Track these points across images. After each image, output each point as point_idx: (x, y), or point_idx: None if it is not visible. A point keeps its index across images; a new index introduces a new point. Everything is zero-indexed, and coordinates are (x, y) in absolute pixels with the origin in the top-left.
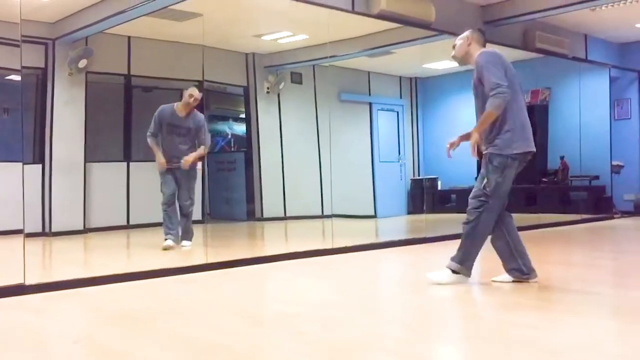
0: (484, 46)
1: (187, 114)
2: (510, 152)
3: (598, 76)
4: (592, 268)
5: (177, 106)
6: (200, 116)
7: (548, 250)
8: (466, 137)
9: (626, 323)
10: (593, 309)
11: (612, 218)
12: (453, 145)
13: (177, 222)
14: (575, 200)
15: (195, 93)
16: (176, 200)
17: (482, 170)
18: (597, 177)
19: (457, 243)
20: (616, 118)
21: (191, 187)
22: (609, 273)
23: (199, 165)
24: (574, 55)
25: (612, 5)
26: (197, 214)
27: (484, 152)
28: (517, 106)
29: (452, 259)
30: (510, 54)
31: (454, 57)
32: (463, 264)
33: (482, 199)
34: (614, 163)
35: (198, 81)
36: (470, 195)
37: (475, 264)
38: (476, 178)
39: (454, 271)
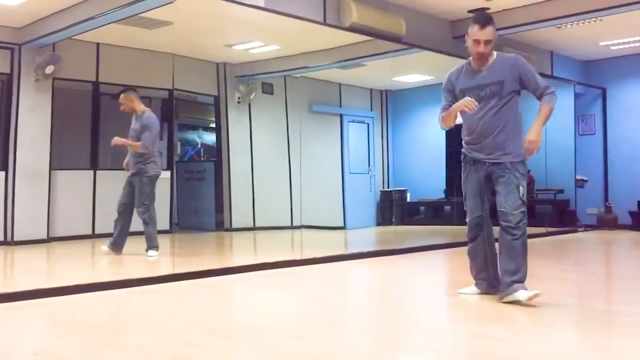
0: None
1: (136, 117)
2: (524, 159)
3: (563, 92)
4: (558, 281)
5: None
6: (147, 117)
7: None
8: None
9: (590, 334)
10: (558, 321)
11: (576, 231)
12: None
13: (120, 230)
14: (541, 213)
15: (119, 98)
16: (127, 209)
17: (506, 180)
18: (561, 191)
19: (426, 254)
20: (580, 133)
21: (142, 192)
22: (573, 286)
23: (165, 173)
24: (540, 72)
25: (577, 24)
26: (164, 223)
27: (494, 161)
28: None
29: (520, 279)
30: None
31: (487, 42)
32: (526, 277)
33: (523, 209)
34: (578, 177)
35: (168, 90)
36: (510, 209)
37: (443, 276)
38: (445, 190)
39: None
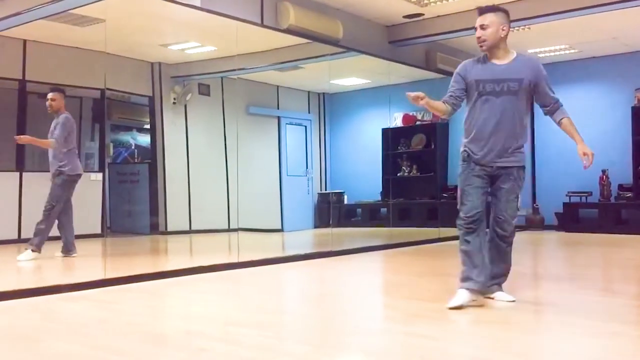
0: None
1: (56, 118)
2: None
3: None
4: None
5: None
6: (63, 116)
7: (447, 263)
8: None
9: (519, 332)
10: (489, 318)
11: None
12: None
13: (64, 232)
14: None
15: (50, 95)
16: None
17: (510, 188)
18: None
19: (363, 256)
20: None
21: (53, 193)
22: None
23: (97, 175)
24: None
25: None
26: (96, 227)
27: (502, 165)
28: None
29: (501, 282)
30: (414, 73)
31: (482, 26)
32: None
33: (517, 219)
34: None
35: (100, 89)
36: (510, 218)
37: (379, 277)
38: (381, 193)
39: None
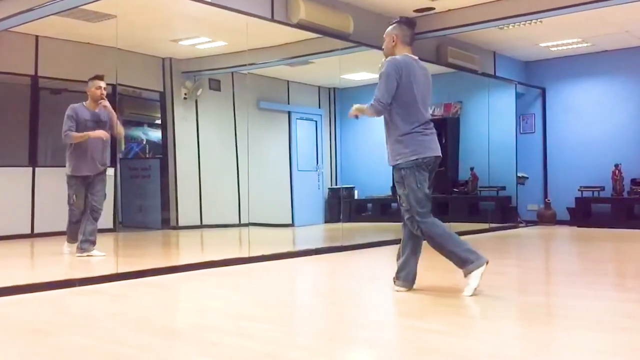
0: (410, 44)
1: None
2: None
3: (505, 92)
4: (499, 275)
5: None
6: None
7: None
8: None
9: (529, 327)
10: (500, 314)
11: (517, 227)
12: None
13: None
14: (484, 209)
15: (104, 84)
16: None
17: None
18: (503, 188)
19: (373, 251)
20: (521, 132)
21: (103, 189)
22: (514, 279)
23: (109, 170)
24: (483, 71)
25: (519, 25)
26: (108, 222)
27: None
28: None
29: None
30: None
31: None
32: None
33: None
34: (519, 175)
35: (111, 85)
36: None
37: (390, 272)
38: (392, 188)
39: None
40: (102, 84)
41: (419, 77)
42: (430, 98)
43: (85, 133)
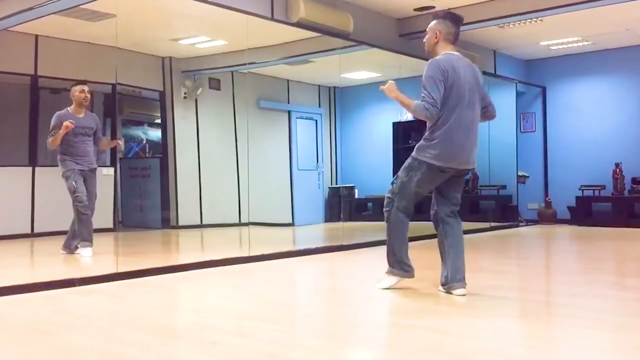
0: (453, 43)
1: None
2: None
3: (506, 91)
4: (500, 273)
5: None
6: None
7: None
8: None
9: (530, 326)
10: (500, 312)
11: (518, 226)
12: None
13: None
14: (485, 208)
15: (86, 88)
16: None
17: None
18: (504, 187)
19: (374, 250)
20: (522, 131)
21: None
22: (514, 278)
23: (109, 170)
24: (483, 70)
25: (519, 24)
26: (108, 221)
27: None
28: None
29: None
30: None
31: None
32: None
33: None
34: (520, 174)
35: (111, 84)
36: None
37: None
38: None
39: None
40: (85, 87)
41: (463, 77)
42: (478, 96)
43: (60, 132)
